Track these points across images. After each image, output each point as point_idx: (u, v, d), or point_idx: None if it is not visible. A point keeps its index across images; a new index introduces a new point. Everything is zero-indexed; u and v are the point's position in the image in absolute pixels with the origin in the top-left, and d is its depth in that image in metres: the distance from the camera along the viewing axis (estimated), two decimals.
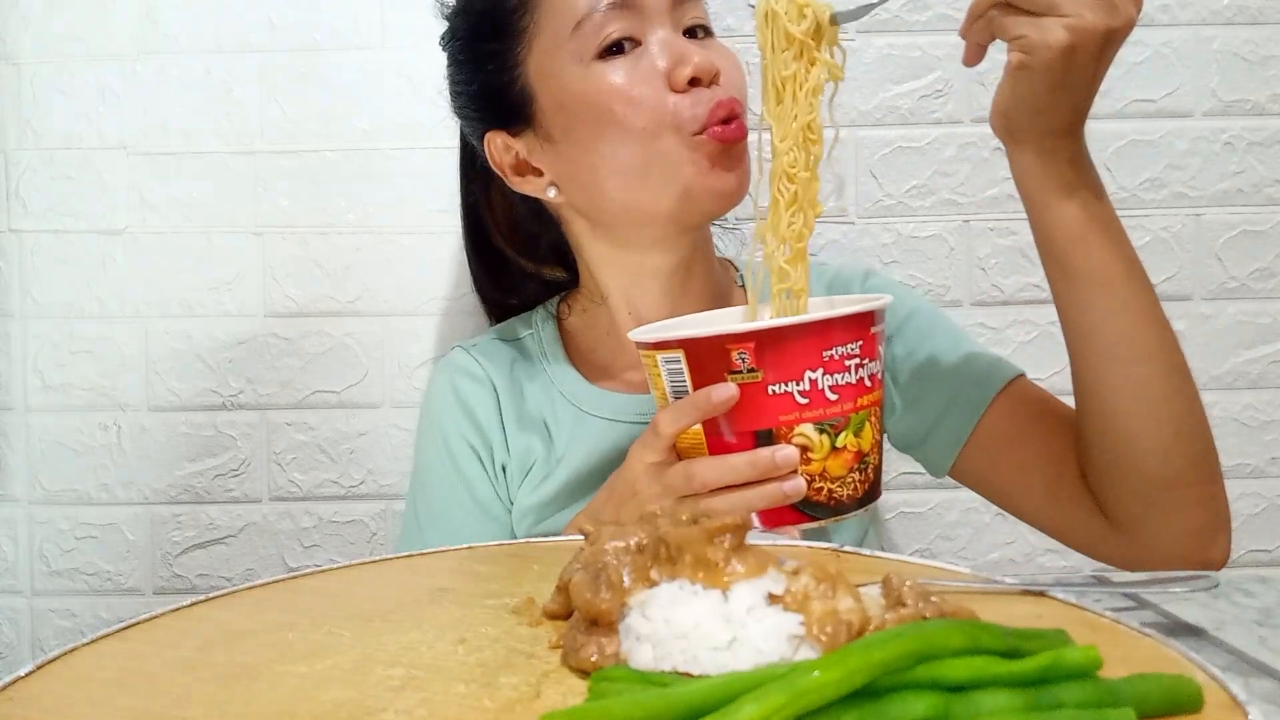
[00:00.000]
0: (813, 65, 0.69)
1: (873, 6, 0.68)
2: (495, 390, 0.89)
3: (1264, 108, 1.22)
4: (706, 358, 0.64)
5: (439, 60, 1.27)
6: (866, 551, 0.55)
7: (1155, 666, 0.35)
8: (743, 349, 0.62)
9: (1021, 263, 1.21)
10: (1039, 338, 1.23)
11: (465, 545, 0.59)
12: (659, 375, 0.67)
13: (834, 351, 0.63)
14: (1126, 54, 1.23)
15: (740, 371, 0.63)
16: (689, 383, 0.65)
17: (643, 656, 0.37)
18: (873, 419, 0.66)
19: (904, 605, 0.39)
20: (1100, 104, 1.22)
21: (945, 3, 1.22)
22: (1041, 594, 0.47)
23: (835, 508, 0.65)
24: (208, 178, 1.23)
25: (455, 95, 0.91)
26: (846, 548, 0.56)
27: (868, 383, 0.65)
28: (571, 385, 0.88)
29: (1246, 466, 1.24)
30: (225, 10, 1.22)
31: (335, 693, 0.37)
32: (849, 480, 0.65)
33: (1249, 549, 1.25)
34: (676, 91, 0.77)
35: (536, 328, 0.93)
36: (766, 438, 0.63)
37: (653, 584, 0.40)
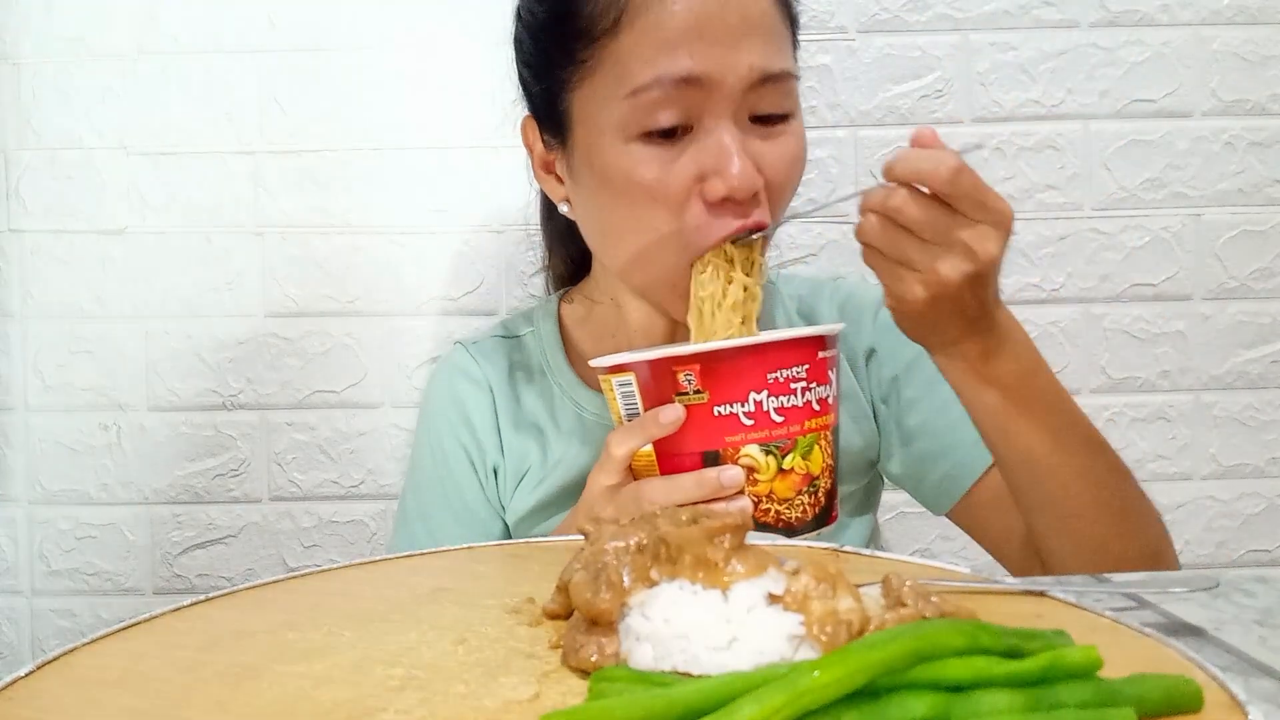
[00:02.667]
0: (730, 284, 0.72)
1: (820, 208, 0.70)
2: (492, 393, 0.89)
3: (1264, 108, 1.22)
4: (656, 380, 0.65)
5: (439, 60, 1.27)
6: (866, 551, 0.55)
7: (1155, 666, 0.35)
8: (688, 370, 0.63)
9: (1021, 262, 1.21)
10: (1038, 338, 1.23)
11: (464, 545, 0.59)
12: (615, 399, 0.68)
13: (779, 374, 0.63)
14: (1126, 54, 1.23)
15: (687, 393, 0.64)
16: (640, 405, 0.66)
17: (643, 656, 0.37)
18: (823, 443, 0.66)
19: (904, 605, 0.38)
20: (1100, 104, 1.23)
21: (945, 3, 1.22)
22: (1041, 594, 0.47)
23: (783, 530, 0.65)
24: (208, 178, 1.23)
25: (517, 51, 0.84)
26: (846, 548, 0.56)
27: (816, 406, 0.65)
28: (570, 387, 0.88)
29: (1246, 466, 1.24)
30: (225, 10, 1.22)
31: (335, 693, 0.37)
32: (797, 503, 0.65)
33: (1249, 549, 1.25)
34: (706, 201, 0.71)
35: (537, 325, 0.92)
36: (714, 459, 0.64)
37: (653, 584, 0.40)
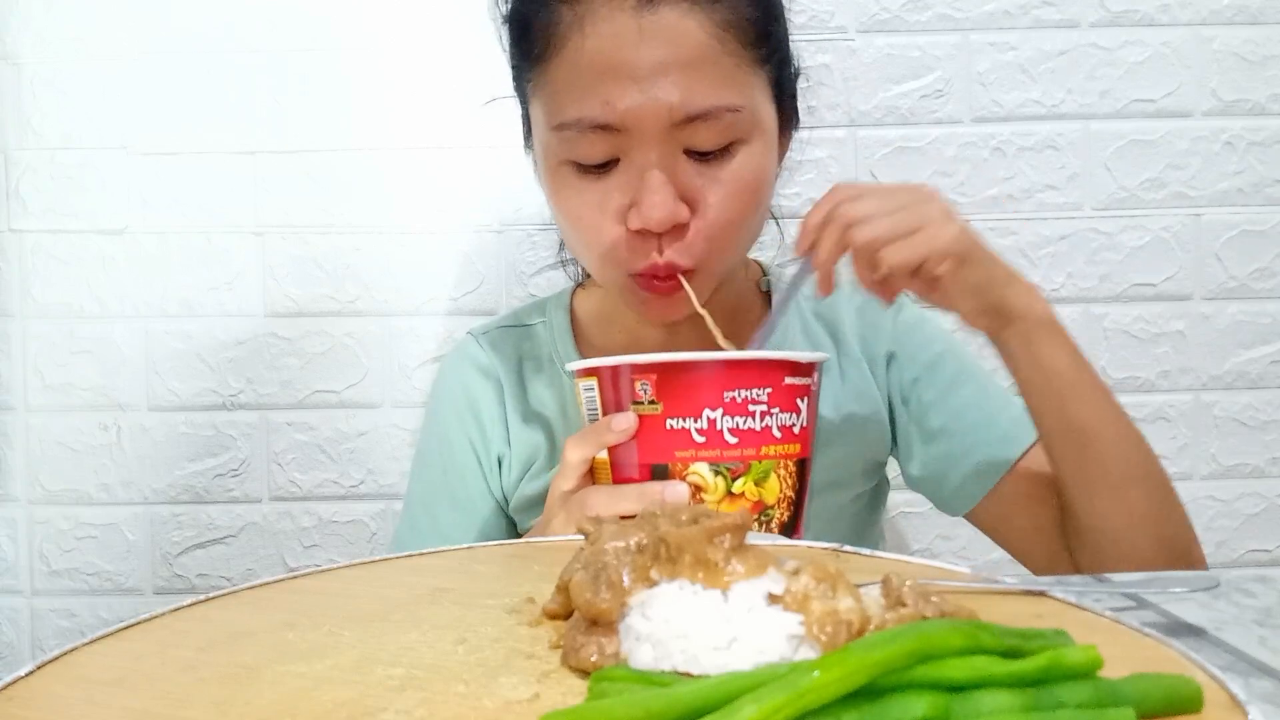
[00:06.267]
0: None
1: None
2: (501, 384, 0.89)
3: (1264, 108, 1.22)
4: (615, 386, 0.64)
5: (439, 60, 1.27)
6: (866, 551, 0.55)
7: (1155, 666, 0.35)
8: (645, 379, 0.62)
9: (1021, 262, 1.21)
10: None
11: (465, 545, 0.60)
12: (581, 403, 0.67)
13: (736, 394, 0.62)
14: (1126, 54, 1.23)
15: (642, 402, 0.63)
16: (600, 411, 0.65)
17: (643, 656, 0.37)
18: (782, 472, 0.63)
19: (904, 605, 0.38)
20: (1100, 104, 1.23)
21: (945, 3, 1.22)
22: (1041, 594, 0.46)
23: None
24: (208, 178, 1.23)
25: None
26: (846, 548, 0.56)
27: (776, 433, 0.63)
28: None
29: (1246, 466, 1.24)
30: (225, 10, 1.22)
31: (335, 693, 0.37)
32: None
33: (1249, 549, 1.25)
34: (629, 229, 0.72)
35: (549, 315, 0.92)
36: (662, 472, 0.62)
37: (653, 584, 0.40)
